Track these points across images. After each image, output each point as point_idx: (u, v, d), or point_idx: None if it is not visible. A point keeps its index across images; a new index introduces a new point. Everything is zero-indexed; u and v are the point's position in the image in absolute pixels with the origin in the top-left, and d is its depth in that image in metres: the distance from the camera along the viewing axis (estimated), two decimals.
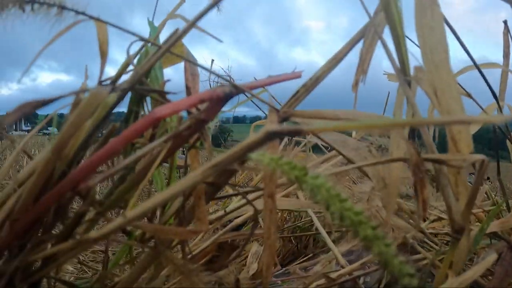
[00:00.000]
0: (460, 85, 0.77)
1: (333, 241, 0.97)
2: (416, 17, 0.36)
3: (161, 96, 0.36)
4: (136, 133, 0.33)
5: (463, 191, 0.33)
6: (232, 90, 0.33)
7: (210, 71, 0.46)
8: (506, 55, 0.90)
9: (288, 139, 0.84)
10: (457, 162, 0.32)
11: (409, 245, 0.59)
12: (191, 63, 0.45)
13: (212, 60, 0.78)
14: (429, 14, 0.35)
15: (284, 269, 0.78)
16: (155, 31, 0.50)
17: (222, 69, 1.06)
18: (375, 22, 0.39)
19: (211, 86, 0.89)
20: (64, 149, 0.33)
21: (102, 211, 0.36)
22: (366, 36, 0.39)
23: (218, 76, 0.51)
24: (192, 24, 0.34)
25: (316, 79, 0.36)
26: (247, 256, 0.73)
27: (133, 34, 0.37)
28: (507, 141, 0.89)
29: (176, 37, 0.34)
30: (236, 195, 0.43)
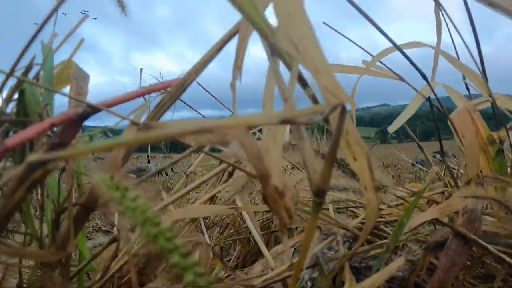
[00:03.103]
0: (389, 68, 0.76)
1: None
2: None
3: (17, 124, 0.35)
4: None
5: (358, 150, 0.29)
6: (87, 110, 0.32)
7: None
8: (438, 34, 0.89)
9: None
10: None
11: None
12: (78, 82, 0.44)
13: (141, 69, 0.77)
14: None
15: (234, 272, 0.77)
16: (50, 53, 0.48)
17: (154, 77, 1.05)
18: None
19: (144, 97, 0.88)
20: None
21: None
22: (240, 30, 0.37)
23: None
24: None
25: (181, 86, 0.34)
26: None
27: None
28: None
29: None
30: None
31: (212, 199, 0.69)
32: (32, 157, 0.20)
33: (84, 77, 0.48)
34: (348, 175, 0.45)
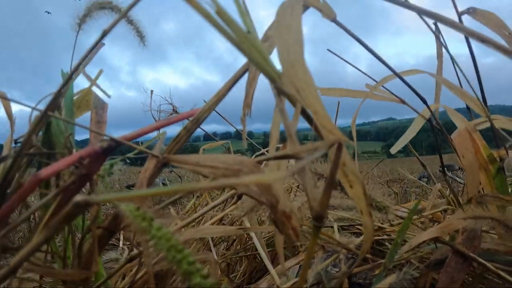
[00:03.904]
0: (391, 92, 0.79)
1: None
2: (277, 16, 0.36)
3: (46, 157, 0.38)
4: (26, 194, 0.35)
5: (354, 179, 0.33)
6: (111, 144, 0.35)
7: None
8: (439, 56, 0.92)
9: None
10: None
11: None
12: (98, 110, 0.47)
13: (152, 91, 0.81)
14: (289, 13, 0.35)
15: None
16: (70, 85, 0.52)
17: (163, 97, 1.07)
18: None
19: (153, 116, 0.92)
20: None
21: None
22: (250, 70, 0.40)
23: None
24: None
25: (197, 121, 0.38)
26: None
27: (26, 105, 0.39)
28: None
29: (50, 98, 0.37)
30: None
31: (221, 218, 0.72)
32: (79, 199, 0.23)
33: (103, 106, 0.51)
34: (350, 197, 0.47)
